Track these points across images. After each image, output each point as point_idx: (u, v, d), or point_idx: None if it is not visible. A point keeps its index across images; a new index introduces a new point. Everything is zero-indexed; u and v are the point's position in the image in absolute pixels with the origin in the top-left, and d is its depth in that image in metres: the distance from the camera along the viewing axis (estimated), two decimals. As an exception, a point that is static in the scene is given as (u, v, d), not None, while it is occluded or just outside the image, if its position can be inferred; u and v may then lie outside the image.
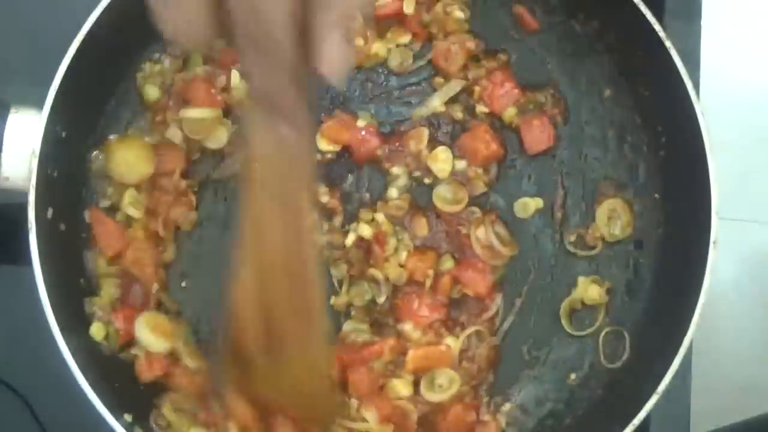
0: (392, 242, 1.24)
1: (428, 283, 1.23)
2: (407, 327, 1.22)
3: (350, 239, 1.25)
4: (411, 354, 1.22)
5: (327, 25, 0.73)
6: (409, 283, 1.24)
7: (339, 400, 1.19)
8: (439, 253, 1.25)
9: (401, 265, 1.24)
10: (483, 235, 1.25)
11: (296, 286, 0.93)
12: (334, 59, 0.74)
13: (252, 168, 0.85)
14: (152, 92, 1.25)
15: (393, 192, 1.26)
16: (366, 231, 1.24)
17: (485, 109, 1.28)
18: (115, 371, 1.20)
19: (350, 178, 1.28)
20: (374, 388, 1.21)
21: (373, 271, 1.24)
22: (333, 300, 1.25)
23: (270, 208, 0.88)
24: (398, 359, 1.22)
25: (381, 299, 1.24)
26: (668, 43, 1.17)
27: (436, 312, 1.23)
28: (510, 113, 1.28)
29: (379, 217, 1.25)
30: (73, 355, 1.09)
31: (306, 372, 1.01)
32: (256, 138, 0.83)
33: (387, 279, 1.23)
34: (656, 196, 1.26)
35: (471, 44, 1.29)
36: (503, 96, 1.28)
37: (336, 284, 1.26)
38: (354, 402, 1.20)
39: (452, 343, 1.23)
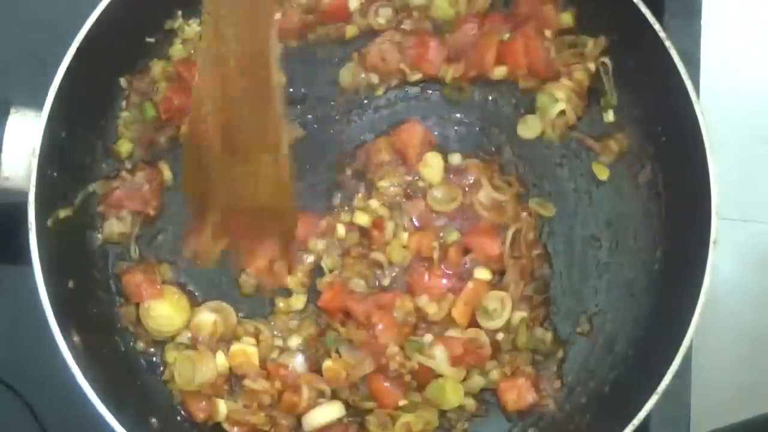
0: (390, 226, 1.24)
1: (436, 255, 1.23)
2: (422, 301, 1.22)
3: (341, 231, 1.25)
4: (458, 307, 1.22)
5: None
6: (417, 260, 1.24)
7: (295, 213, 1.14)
8: (440, 227, 1.26)
9: (404, 247, 1.24)
10: (485, 197, 1.25)
11: (255, 85, 0.94)
12: None
13: None
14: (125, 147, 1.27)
15: (384, 183, 1.26)
16: (362, 219, 1.24)
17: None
18: (115, 371, 1.20)
19: (339, 195, 1.28)
20: (401, 337, 1.21)
21: (376, 255, 1.24)
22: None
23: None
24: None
25: (386, 281, 1.24)
26: (668, 43, 1.17)
27: (449, 281, 1.23)
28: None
29: (373, 203, 1.25)
30: (73, 355, 1.10)
31: (265, 177, 1.01)
32: None
33: (390, 262, 1.24)
34: (656, 196, 1.26)
35: (397, 36, 1.29)
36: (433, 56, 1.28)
37: (325, 269, 1.25)
38: (427, 338, 1.21)
39: (483, 275, 1.23)
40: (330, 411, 1.21)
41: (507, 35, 1.28)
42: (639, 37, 1.20)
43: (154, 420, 1.20)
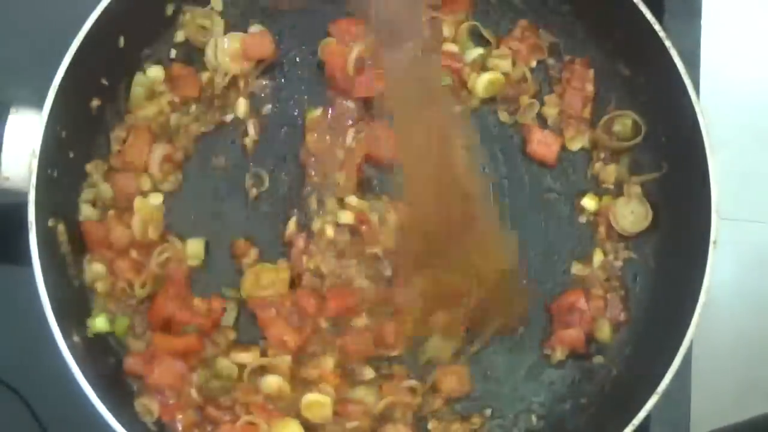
0: (374, 217, 1.24)
1: None
2: None
3: (330, 232, 1.24)
4: None
5: None
6: None
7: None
8: None
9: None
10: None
11: (452, 192, 1.01)
12: None
13: (391, 93, 0.94)
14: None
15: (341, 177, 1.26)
16: (347, 217, 1.24)
17: None
18: (115, 371, 1.20)
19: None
20: None
21: (372, 249, 1.23)
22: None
23: (416, 131, 0.96)
24: None
25: (388, 272, 1.23)
26: (668, 43, 1.17)
27: None
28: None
29: (351, 200, 1.25)
30: (73, 355, 1.10)
31: (484, 262, 1.09)
32: (388, 67, 0.90)
33: (386, 251, 1.23)
34: (656, 195, 1.26)
35: None
36: None
37: (325, 272, 1.24)
38: None
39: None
40: None
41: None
42: (639, 37, 1.20)
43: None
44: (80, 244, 1.21)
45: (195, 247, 1.25)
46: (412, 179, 1.03)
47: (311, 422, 1.20)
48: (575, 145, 1.28)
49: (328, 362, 1.21)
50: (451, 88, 1.27)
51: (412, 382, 1.22)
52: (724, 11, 1.43)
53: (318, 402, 1.19)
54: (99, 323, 1.20)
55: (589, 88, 1.28)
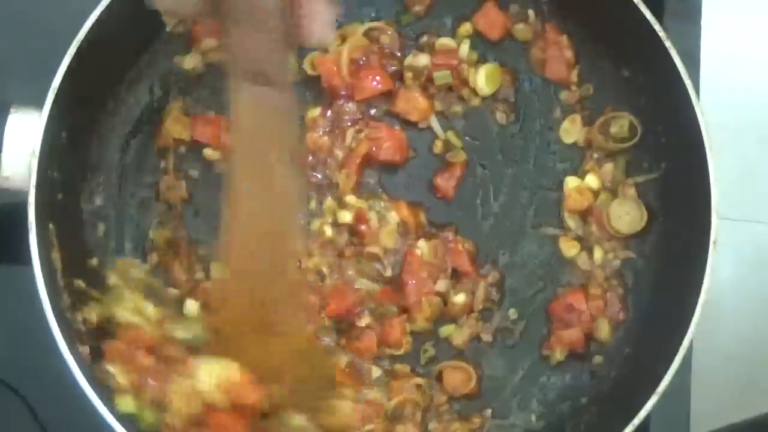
0: (373, 215, 1.24)
1: None
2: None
3: (329, 232, 1.24)
4: None
5: None
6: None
7: (331, 362, 1.16)
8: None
9: (396, 227, 1.24)
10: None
11: (279, 267, 0.94)
12: (321, 25, 0.77)
13: (237, 141, 0.86)
14: None
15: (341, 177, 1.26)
16: (345, 216, 1.24)
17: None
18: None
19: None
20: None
21: (371, 248, 1.23)
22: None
23: (254, 183, 0.89)
24: None
25: (388, 272, 1.24)
26: (668, 43, 1.17)
27: None
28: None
29: (350, 199, 1.24)
30: (73, 355, 1.09)
31: (293, 344, 1.00)
32: (240, 107, 0.84)
33: (386, 250, 1.23)
34: (656, 195, 1.26)
35: None
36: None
37: (326, 272, 1.24)
38: None
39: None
40: None
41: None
42: (639, 37, 1.20)
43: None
44: (80, 244, 1.21)
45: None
46: (239, 240, 0.94)
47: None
48: (569, 138, 1.29)
49: (340, 361, 1.21)
50: (452, 86, 1.28)
51: (419, 380, 1.22)
52: (724, 11, 1.43)
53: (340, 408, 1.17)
54: (125, 405, 1.08)
55: (568, 53, 1.28)
